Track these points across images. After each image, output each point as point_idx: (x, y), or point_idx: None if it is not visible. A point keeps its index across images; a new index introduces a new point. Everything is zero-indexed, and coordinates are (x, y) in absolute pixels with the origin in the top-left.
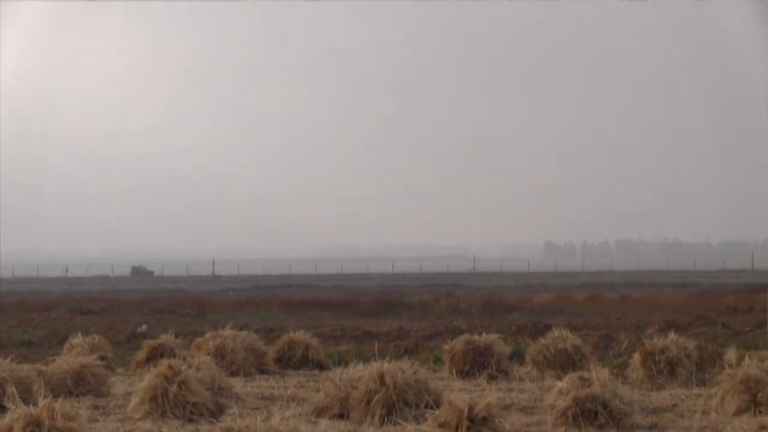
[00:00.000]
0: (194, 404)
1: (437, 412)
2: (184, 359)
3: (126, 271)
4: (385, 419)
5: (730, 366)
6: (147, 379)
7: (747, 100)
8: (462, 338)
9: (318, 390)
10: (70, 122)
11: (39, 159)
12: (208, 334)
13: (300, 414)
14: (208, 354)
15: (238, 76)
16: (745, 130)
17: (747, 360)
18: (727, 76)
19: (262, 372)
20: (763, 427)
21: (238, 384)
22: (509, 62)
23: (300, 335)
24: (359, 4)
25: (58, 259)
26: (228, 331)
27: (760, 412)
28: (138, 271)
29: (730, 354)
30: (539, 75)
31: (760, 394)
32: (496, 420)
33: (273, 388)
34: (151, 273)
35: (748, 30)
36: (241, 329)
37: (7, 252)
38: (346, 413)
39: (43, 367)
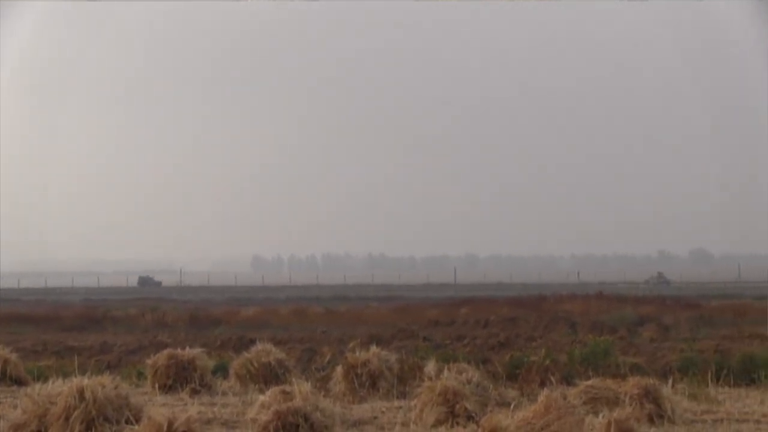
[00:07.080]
0: None
1: (137, 427)
2: None
3: None
4: None
5: (430, 378)
6: None
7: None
8: (165, 352)
9: (16, 406)
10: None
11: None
12: None
13: None
14: None
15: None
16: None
17: (446, 372)
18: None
19: None
20: None
21: None
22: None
23: None
24: None
25: None
26: None
27: (457, 423)
28: (146, 282)
29: (430, 366)
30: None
31: (457, 406)
32: None
33: None
34: (159, 283)
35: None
36: None
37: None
38: (44, 430)
39: None
